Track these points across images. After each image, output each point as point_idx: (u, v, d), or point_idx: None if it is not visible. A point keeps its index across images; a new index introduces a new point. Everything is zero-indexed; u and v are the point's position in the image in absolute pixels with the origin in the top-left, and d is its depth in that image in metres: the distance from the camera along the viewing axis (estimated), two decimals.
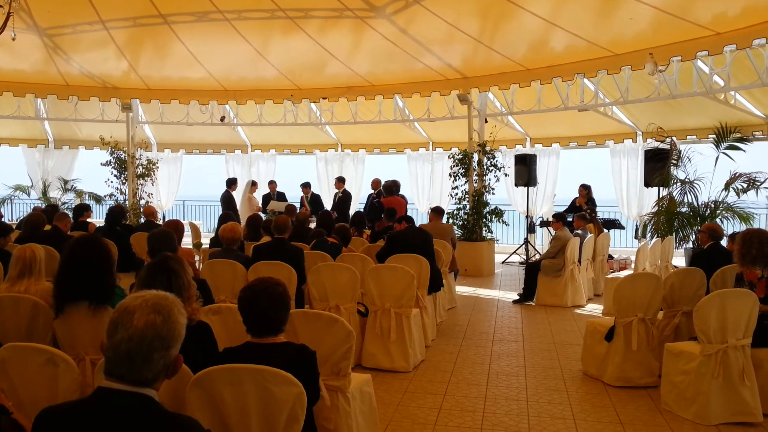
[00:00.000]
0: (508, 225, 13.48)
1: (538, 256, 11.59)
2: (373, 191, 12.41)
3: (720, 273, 5.45)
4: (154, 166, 13.86)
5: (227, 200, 12.86)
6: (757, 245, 4.80)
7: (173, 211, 17.38)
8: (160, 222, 10.28)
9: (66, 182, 15.24)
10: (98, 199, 14.68)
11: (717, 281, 5.40)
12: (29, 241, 4.88)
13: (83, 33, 10.69)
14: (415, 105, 12.99)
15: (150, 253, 4.53)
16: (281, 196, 13.13)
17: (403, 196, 11.89)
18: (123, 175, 13.51)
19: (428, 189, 15.31)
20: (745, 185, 9.73)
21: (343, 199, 13.07)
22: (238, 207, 12.66)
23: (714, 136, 10.29)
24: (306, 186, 13.27)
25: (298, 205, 12.52)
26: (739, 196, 9.80)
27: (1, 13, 6.77)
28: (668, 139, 10.71)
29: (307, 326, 3.77)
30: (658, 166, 10.54)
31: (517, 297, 9.12)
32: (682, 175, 10.19)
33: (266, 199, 13.15)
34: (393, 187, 11.49)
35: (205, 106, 13.36)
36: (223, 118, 13.97)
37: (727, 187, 9.81)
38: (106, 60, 11.85)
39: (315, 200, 13.19)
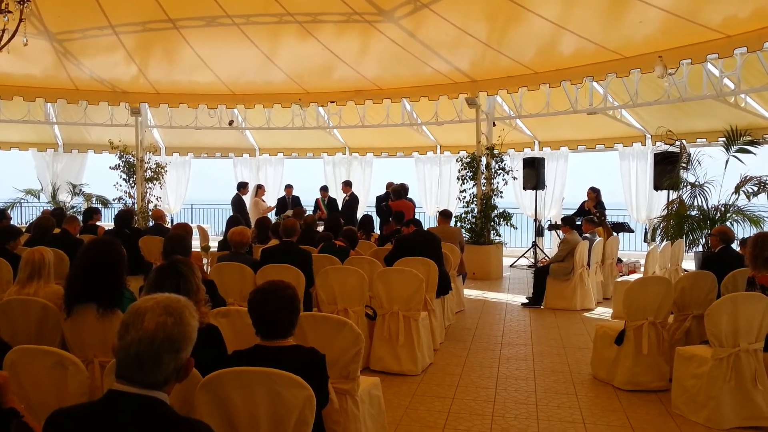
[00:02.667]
0: (516, 228, 13.45)
1: (546, 260, 11.54)
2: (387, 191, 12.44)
3: (731, 276, 5.40)
4: (162, 170, 13.92)
5: (238, 204, 12.89)
6: None
7: (181, 214, 17.43)
8: (169, 225, 10.31)
9: (74, 186, 15.32)
10: (105, 203, 14.75)
11: (728, 285, 5.35)
12: (38, 245, 4.89)
13: (93, 38, 10.75)
14: (423, 108, 12.99)
15: (164, 255, 4.55)
16: (296, 200, 13.13)
17: (411, 200, 11.88)
18: (132, 179, 13.58)
19: (436, 192, 15.30)
20: (755, 188, 9.64)
21: (351, 203, 13.07)
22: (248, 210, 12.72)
23: (724, 139, 10.22)
24: (324, 189, 13.34)
25: (313, 208, 12.66)
26: (749, 200, 9.71)
27: (12, 19, 6.81)
28: (678, 142, 10.65)
29: (316, 329, 3.77)
30: (668, 169, 10.47)
31: (526, 300, 9.09)
32: (691, 179, 10.12)
33: (281, 202, 13.16)
34: (401, 190, 11.48)
35: (214, 110, 13.40)
36: (231, 122, 14.02)
37: (737, 190, 9.73)
38: (115, 64, 11.92)
39: (332, 204, 13.21)
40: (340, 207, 13.31)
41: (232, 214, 12.20)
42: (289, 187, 13.49)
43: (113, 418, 1.75)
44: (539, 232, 13.27)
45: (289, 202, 12.94)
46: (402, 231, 8.13)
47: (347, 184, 13.36)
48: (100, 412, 1.78)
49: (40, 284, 4.16)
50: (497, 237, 11.97)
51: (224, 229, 10.01)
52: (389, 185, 12.42)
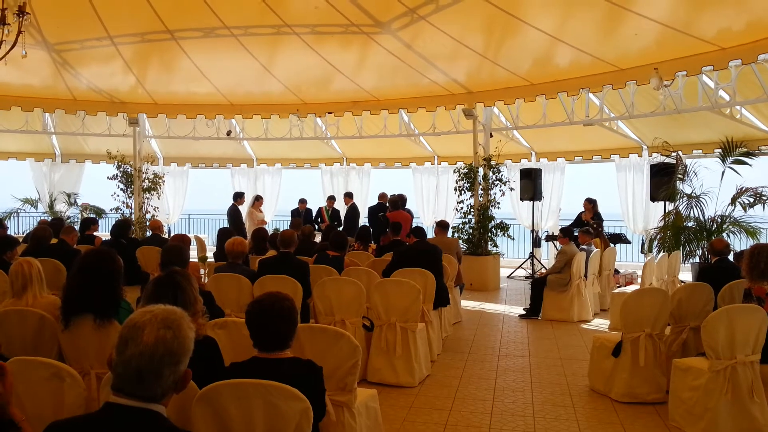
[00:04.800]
0: (513, 239, 13.47)
1: (543, 271, 11.54)
2: (379, 202, 12.48)
3: (728, 288, 5.39)
4: (160, 180, 13.92)
5: (233, 214, 12.89)
6: (765, 260, 4.78)
7: (179, 224, 17.40)
8: (166, 236, 10.29)
9: (70, 196, 15.30)
10: (99, 213, 14.72)
11: (725, 296, 5.34)
12: (35, 255, 4.89)
13: (91, 48, 10.77)
14: (421, 119, 13.03)
15: (162, 266, 4.54)
16: (308, 214, 13.22)
17: (408, 210, 11.89)
18: (129, 189, 13.58)
19: (433, 203, 15.33)
20: (751, 200, 9.68)
21: (352, 214, 13.11)
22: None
23: (720, 150, 10.27)
24: (330, 199, 13.50)
25: (314, 216, 12.88)
26: (745, 211, 9.75)
27: (11, 31, 6.83)
28: (674, 154, 10.70)
29: (313, 341, 3.76)
30: (664, 180, 10.52)
31: (523, 311, 9.08)
32: (688, 190, 10.16)
33: (294, 214, 13.24)
34: (399, 201, 11.49)
35: (212, 121, 13.43)
36: (229, 133, 14.05)
37: (733, 201, 9.77)
38: (113, 75, 11.94)
39: (335, 215, 13.30)
40: (342, 217, 13.37)
41: (227, 224, 12.27)
42: (303, 202, 13.63)
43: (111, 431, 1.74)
44: (536, 243, 13.28)
45: (302, 216, 13.03)
46: (401, 242, 8.12)
47: (348, 196, 13.46)
48: (97, 425, 1.77)
49: (35, 291, 4.15)
50: (494, 248, 11.97)
51: (216, 241, 10.02)
52: (382, 196, 12.47)
